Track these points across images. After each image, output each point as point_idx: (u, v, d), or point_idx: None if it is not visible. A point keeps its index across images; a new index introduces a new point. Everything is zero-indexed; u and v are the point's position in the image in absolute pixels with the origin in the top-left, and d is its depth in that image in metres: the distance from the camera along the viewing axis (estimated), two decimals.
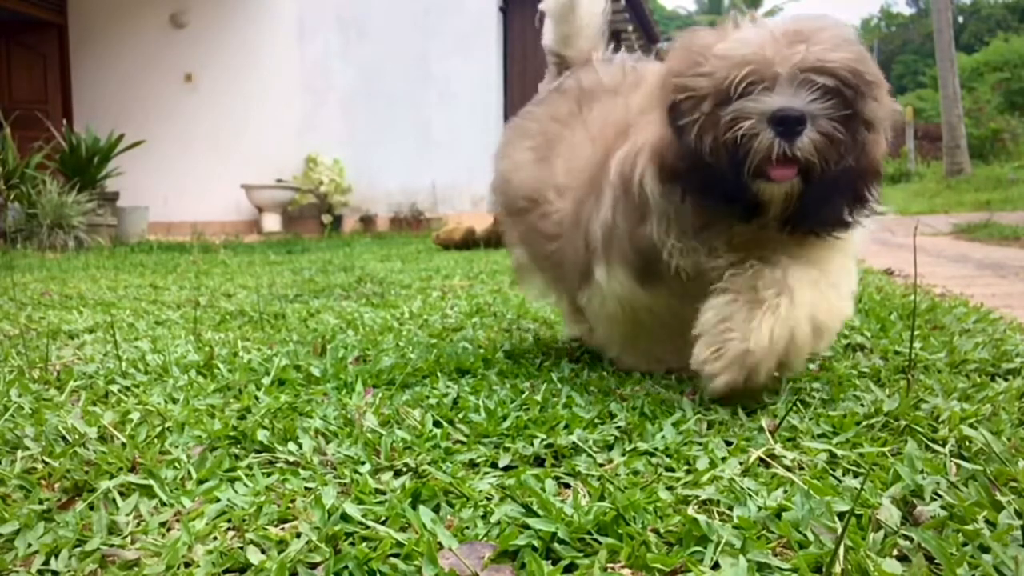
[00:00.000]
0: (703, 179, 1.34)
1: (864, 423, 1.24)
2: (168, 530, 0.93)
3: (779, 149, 1.24)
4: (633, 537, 0.85)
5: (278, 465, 1.14)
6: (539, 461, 1.15)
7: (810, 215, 1.33)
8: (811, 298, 1.36)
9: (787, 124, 1.23)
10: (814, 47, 1.25)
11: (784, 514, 0.89)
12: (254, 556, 0.84)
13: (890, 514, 0.89)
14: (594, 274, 1.60)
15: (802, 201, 1.31)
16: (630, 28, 12.95)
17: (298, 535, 0.88)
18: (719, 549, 0.82)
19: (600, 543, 0.84)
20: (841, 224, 1.36)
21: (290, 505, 0.97)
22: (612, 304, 1.61)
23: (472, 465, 1.13)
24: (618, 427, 1.26)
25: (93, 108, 10.55)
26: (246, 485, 1.05)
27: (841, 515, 0.88)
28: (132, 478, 1.06)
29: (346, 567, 0.80)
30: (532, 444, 1.18)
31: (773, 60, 1.25)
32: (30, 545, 0.88)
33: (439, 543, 0.85)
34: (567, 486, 1.04)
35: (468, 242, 6.69)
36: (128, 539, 0.89)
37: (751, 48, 1.27)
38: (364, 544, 0.85)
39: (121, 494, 1.02)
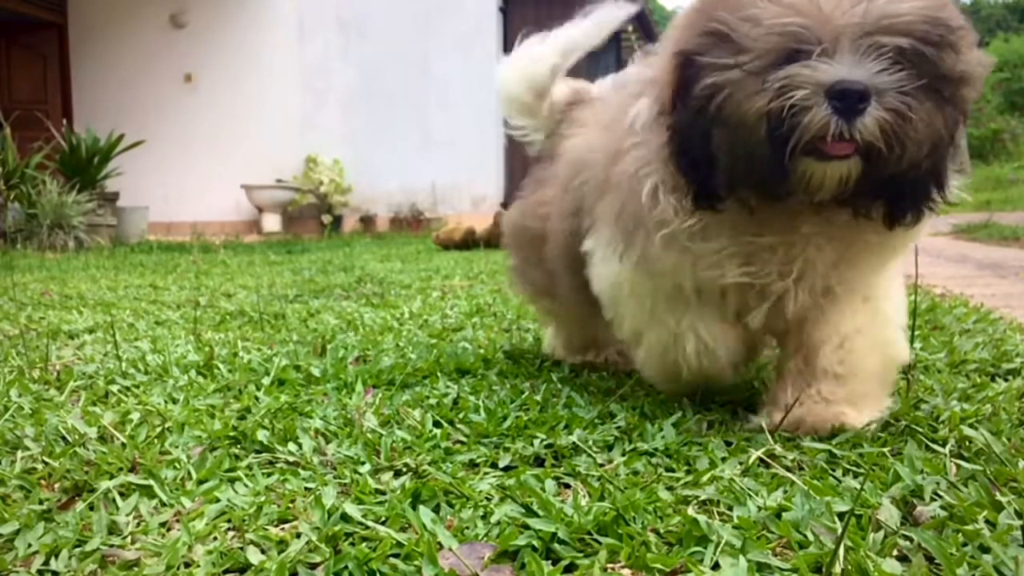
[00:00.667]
0: (705, 146, 1.12)
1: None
2: (168, 530, 0.93)
3: (836, 128, 1.03)
4: (633, 537, 0.85)
5: (278, 465, 1.14)
6: (539, 461, 1.15)
7: (870, 201, 1.13)
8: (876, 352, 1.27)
9: (847, 100, 1.02)
10: (880, 0, 1.03)
11: (784, 514, 0.89)
12: (254, 556, 0.84)
13: (890, 514, 0.89)
14: (585, 247, 1.41)
15: (860, 187, 1.09)
16: (630, 28, 12.96)
17: (298, 535, 0.88)
18: (719, 549, 0.82)
19: (600, 543, 0.84)
20: (909, 216, 1.15)
21: (290, 505, 0.97)
22: (606, 294, 1.40)
23: (472, 465, 1.13)
24: (618, 427, 1.26)
25: (93, 108, 10.55)
26: (246, 485, 1.05)
27: (841, 515, 0.88)
28: (132, 478, 1.06)
29: (346, 567, 0.80)
30: (532, 444, 1.18)
31: (831, 16, 1.03)
32: (30, 545, 0.88)
33: (439, 543, 0.85)
34: (567, 486, 1.04)
35: (468, 242, 6.69)
36: (128, 539, 0.89)
37: (806, 1, 1.04)
38: (364, 544, 0.85)
39: (121, 494, 1.02)
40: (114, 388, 1.58)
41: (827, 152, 1.06)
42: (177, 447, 1.20)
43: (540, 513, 0.91)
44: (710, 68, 1.09)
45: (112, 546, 0.88)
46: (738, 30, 1.06)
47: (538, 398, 1.44)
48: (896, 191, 1.12)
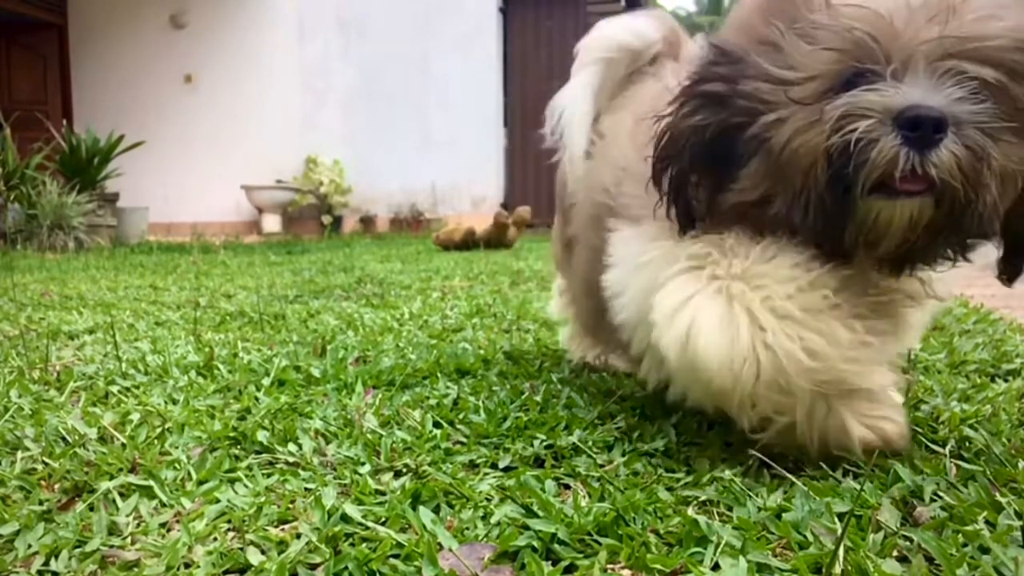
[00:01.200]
0: (702, 162, 1.00)
1: None
2: (168, 531, 0.93)
3: (906, 162, 0.87)
4: (633, 538, 0.85)
5: (278, 466, 1.14)
6: (539, 462, 1.15)
7: (935, 254, 0.99)
8: None
9: (921, 129, 0.87)
10: (965, 17, 0.88)
11: (784, 515, 0.89)
12: (254, 557, 0.84)
13: (890, 515, 0.89)
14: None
15: (929, 234, 0.94)
16: None
17: (298, 536, 0.88)
18: (719, 550, 0.82)
19: (600, 544, 0.84)
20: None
21: (290, 506, 0.97)
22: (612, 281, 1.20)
23: (472, 466, 1.13)
24: (618, 428, 1.26)
25: (93, 109, 10.56)
26: (246, 486, 1.05)
27: (841, 516, 0.88)
28: (132, 479, 1.06)
29: (346, 568, 0.80)
30: (532, 445, 1.18)
31: (903, 32, 0.89)
32: (30, 546, 0.88)
33: (439, 544, 0.85)
34: (567, 487, 1.04)
35: (468, 243, 6.69)
36: (128, 540, 0.89)
37: (874, 13, 0.89)
38: (364, 545, 0.85)
39: (121, 495, 1.02)
40: (114, 389, 1.58)
41: (896, 188, 0.90)
42: (177, 448, 1.20)
43: (540, 514, 0.91)
44: (754, 73, 0.94)
45: (112, 547, 0.88)
46: (791, 44, 0.92)
47: (538, 399, 1.44)
48: (1015, 239, 0.98)
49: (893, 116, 0.87)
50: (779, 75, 0.93)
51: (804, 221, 0.96)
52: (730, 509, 0.93)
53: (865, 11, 0.89)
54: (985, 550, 0.79)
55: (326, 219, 10.21)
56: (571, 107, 1.43)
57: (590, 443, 1.19)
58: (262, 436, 1.23)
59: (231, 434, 1.25)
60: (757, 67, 0.95)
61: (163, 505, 1.00)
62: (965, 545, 0.81)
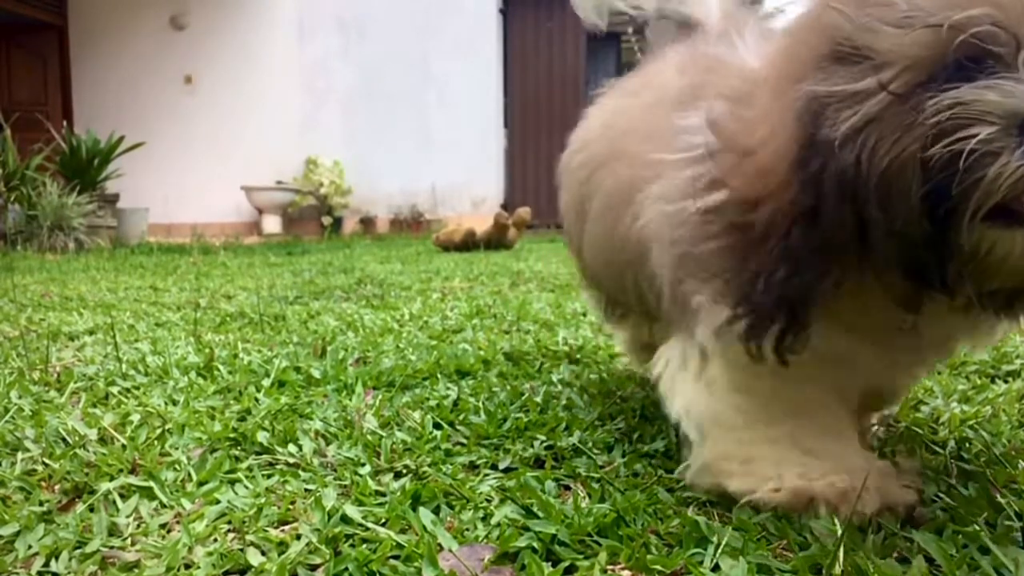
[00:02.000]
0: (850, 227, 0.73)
1: None
2: (168, 532, 0.93)
3: None
4: (633, 539, 0.85)
5: (278, 467, 1.14)
6: (539, 463, 1.15)
7: None
8: None
9: None
10: None
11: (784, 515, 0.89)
12: (254, 558, 0.84)
13: (890, 515, 0.89)
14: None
15: None
16: (630, 30, 12.95)
17: (298, 537, 0.88)
18: (719, 550, 0.82)
19: (600, 544, 0.84)
20: None
21: (290, 507, 0.97)
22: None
23: (472, 467, 1.13)
24: (618, 429, 1.26)
25: (93, 110, 10.56)
26: (246, 487, 1.05)
27: None
28: (132, 480, 1.06)
29: (346, 569, 0.80)
30: (532, 446, 1.18)
31: None
32: (30, 547, 0.88)
33: (439, 545, 0.85)
34: (567, 488, 1.04)
35: (468, 244, 6.69)
36: (128, 541, 0.90)
37: None
38: (364, 546, 0.85)
39: (121, 496, 1.02)
40: (114, 390, 1.58)
41: (1020, 211, 0.68)
42: (177, 449, 1.20)
43: (540, 515, 0.91)
44: (836, 103, 0.71)
45: (112, 547, 0.88)
46: (875, 47, 0.70)
47: (538, 400, 1.44)
48: None
49: (1019, 123, 0.65)
50: (871, 86, 0.70)
51: (895, 258, 0.74)
52: (730, 510, 0.93)
53: None
54: (985, 551, 0.80)
55: (326, 220, 10.21)
56: None
57: (590, 444, 1.19)
58: (262, 437, 1.23)
59: (231, 435, 1.25)
60: (834, 111, 0.72)
61: (163, 506, 1.00)
62: (965, 546, 0.81)
